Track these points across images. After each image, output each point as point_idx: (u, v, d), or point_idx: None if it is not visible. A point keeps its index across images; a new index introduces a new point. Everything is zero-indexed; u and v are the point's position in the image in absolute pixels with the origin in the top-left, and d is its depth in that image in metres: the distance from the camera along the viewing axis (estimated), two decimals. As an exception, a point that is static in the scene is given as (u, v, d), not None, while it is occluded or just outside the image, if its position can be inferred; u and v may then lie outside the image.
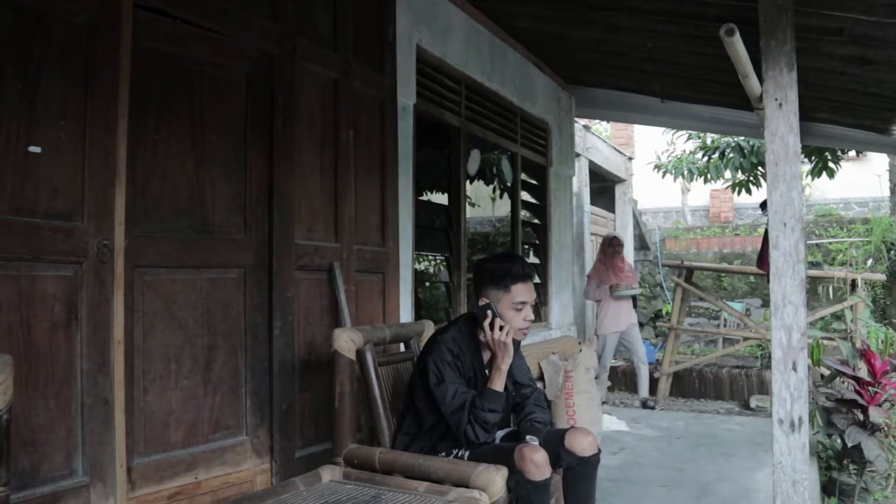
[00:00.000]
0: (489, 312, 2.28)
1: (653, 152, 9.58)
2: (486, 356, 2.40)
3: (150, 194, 2.21)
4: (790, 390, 2.01)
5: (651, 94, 5.24)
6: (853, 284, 6.94)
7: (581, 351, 4.72)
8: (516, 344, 2.48)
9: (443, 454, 2.29)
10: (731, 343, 7.57)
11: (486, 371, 2.38)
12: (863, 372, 3.73)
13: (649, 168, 9.36)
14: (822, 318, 7.50)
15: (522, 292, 2.33)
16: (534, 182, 5.44)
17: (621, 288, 5.90)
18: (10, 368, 1.43)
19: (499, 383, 2.23)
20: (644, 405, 5.98)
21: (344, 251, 2.95)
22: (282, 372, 2.60)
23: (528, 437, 2.26)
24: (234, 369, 2.46)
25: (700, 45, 3.56)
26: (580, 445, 2.25)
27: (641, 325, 9.78)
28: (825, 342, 6.31)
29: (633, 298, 6.11)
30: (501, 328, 2.24)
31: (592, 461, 2.28)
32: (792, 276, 2.04)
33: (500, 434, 2.47)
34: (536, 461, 2.05)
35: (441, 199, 5.17)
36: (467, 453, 2.27)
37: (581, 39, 4.42)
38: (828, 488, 3.66)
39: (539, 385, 4.35)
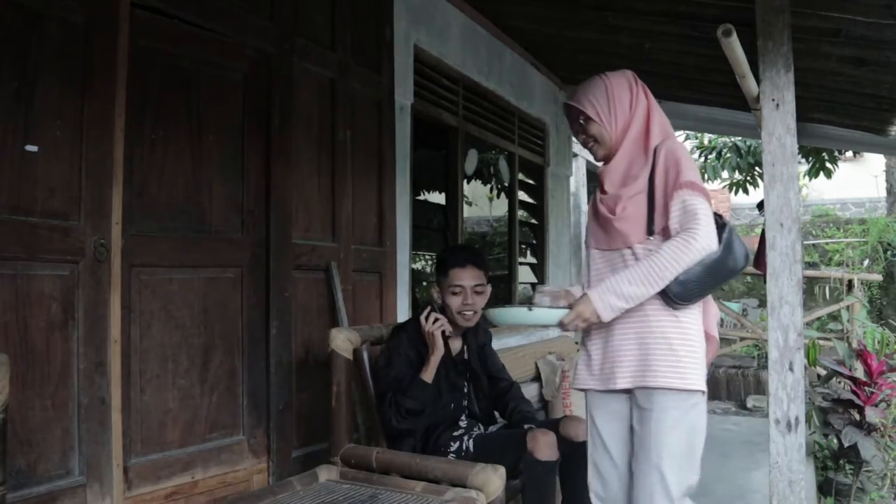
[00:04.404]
0: (430, 305, 2.38)
1: (650, 153, 9.57)
2: (456, 348, 2.48)
3: (147, 194, 2.21)
4: (787, 390, 2.01)
5: (649, 95, 5.23)
6: (850, 285, 6.97)
7: (578, 351, 4.74)
8: (486, 337, 2.63)
9: (444, 447, 2.33)
10: (728, 343, 7.58)
11: (456, 364, 2.45)
12: (859, 372, 3.74)
13: (647, 168, 9.35)
14: (818, 319, 7.53)
15: (459, 276, 2.40)
16: (531, 182, 5.44)
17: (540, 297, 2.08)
18: (7, 368, 1.43)
19: (427, 374, 2.28)
20: None
21: (341, 251, 2.95)
22: (279, 371, 2.60)
23: (525, 426, 2.33)
24: (230, 369, 2.46)
25: (698, 46, 3.56)
26: (574, 432, 2.31)
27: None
28: (822, 342, 6.33)
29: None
30: (436, 320, 2.30)
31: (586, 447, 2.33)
32: (789, 276, 2.04)
33: (492, 430, 2.50)
34: (550, 442, 2.15)
35: (438, 198, 5.17)
36: (471, 442, 2.31)
37: (579, 40, 4.42)
38: (824, 488, 3.67)
39: (535, 385, 4.39)
